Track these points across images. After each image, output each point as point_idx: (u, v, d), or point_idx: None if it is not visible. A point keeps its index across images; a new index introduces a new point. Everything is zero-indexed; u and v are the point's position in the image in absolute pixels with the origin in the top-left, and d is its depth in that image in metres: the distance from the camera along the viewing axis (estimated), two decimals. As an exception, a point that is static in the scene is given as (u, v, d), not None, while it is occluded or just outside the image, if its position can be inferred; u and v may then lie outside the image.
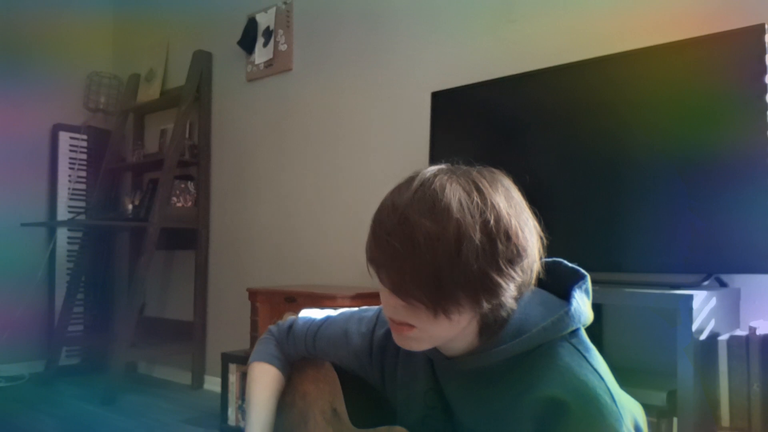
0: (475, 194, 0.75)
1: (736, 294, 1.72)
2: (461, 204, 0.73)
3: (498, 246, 0.73)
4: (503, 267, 0.74)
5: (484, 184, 0.77)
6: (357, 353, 1.00)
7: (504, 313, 0.78)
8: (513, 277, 0.75)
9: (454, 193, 0.74)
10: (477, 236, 0.72)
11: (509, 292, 0.76)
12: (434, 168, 0.79)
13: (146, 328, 3.68)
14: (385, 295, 0.79)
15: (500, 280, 0.74)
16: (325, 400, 1.02)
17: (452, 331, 0.78)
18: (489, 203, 0.74)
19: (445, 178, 0.76)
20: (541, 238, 0.80)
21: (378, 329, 0.99)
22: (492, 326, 0.80)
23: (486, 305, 0.75)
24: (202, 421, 2.74)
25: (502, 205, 0.75)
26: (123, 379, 3.18)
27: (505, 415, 0.80)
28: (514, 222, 0.75)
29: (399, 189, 0.78)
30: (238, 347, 2.91)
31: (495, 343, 0.80)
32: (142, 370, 3.90)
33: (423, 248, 0.72)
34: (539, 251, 0.80)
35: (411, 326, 0.78)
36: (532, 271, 0.79)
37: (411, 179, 0.78)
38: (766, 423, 1.44)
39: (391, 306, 0.78)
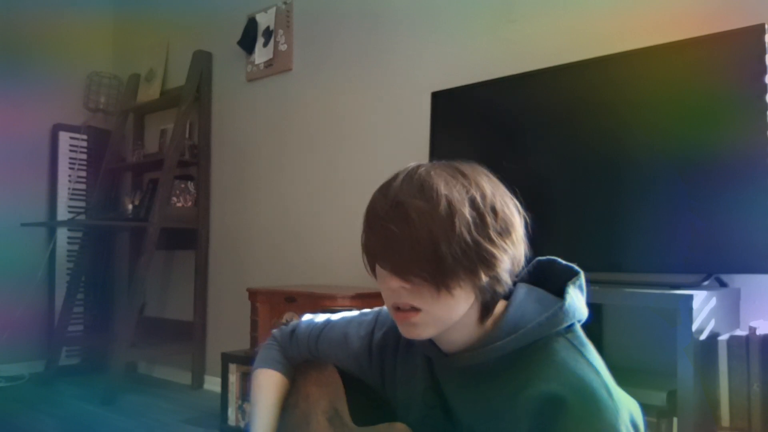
0: (459, 176, 0.80)
1: (736, 294, 1.72)
2: (447, 183, 0.78)
3: (487, 219, 0.78)
4: (495, 239, 0.78)
5: (466, 169, 0.82)
6: (356, 356, 1.02)
7: (500, 290, 0.81)
8: (505, 249, 0.79)
9: (439, 175, 0.79)
10: (467, 210, 0.77)
11: (504, 263, 0.79)
12: (415, 163, 0.84)
13: (146, 328, 3.68)
14: (387, 281, 0.80)
15: (494, 251, 0.78)
16: (327, 400, 1.03)
17: (455, 311, 0.80)
18: (473, 182, 0.80)
19: (429, 166, 0.82)
20: (525, 218, 0.84)
21: (376, 332, 1.01)
22: (491, 307, 0.82)
23: (484, 278, 0.78)
24: (202, 421, 2.74)
25: (484, 184, 0.81)
26: (123, 379, 3.17)
27: (503, 412, 0.80)
28: (498, 198, 0.80)
29: (386, 183, 0.83)
30: (238, 347, 2.91)
31: (491, 339, 0.82)
32: (142, 370, 3.90)
33: (418, 225, 0.76)
34: (523, 231, 0.84)
35: (416, 311, 0.80)
36: (521, 245, 0.82)
37: (395, 175, 0.83)
38: (766, 423, 1.44)
39: (393, 291, 0.80)
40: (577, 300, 0.84)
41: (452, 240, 0.75)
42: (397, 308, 0.81)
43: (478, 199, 0.78)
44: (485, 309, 0.82)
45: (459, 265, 0.76)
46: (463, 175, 0.81)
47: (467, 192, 0.78)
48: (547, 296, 0.85)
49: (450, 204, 0.76)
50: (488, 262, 0.77)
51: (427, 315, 0.79)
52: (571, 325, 0.82)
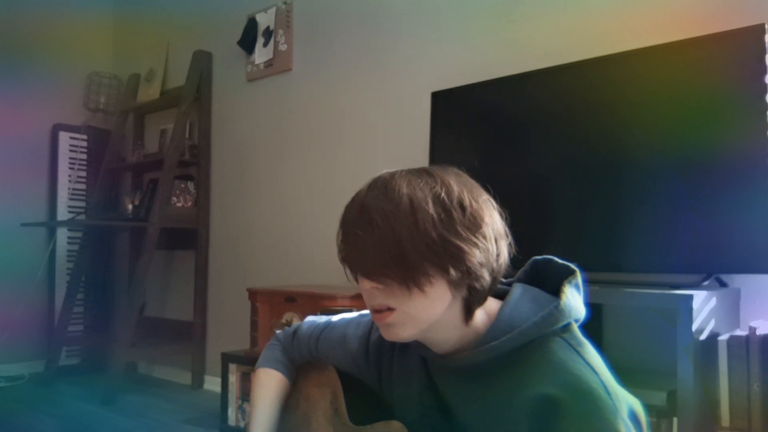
0: (424, 176, 0.82)
1: (736, 294, 1.72)
2: (411, 183, 0.80)
3: (454, 214, 0.78)
4: (463, 233, 0.78)
5: (434, 169, 0.83)
6: (354, 356, 1.02)
7: (478, 286, 0.80)
8: (475, 243, 0.79)
9: (403, 178, 0.81)
10: (430, 207, 0.78)
11: (475, 257, 0.79)
12: (386, 171, 0.86)
13: (146, 328, 3.68)
14: (361, 284, 0.82)
15: (462, 245, 0.78)
16: (327, 401, 1.04)
17: (432, 310, 0.80)
18: (438, 180, 0.81)
19: (396, 171, 0.84)
20: (502, 214, 0.85)
21: (374, 332, 1.01)
22: (473, 306, 0.82)
23: (454, 272, 0.78)
24: (202, 421, 2.74)
25: (451, 181, 0.81)
26: (123, 379, 3.17)
27: (500, 413, 0.80)
28: (466, 194, 0.81)
29: (358, 191, 0.85)
30: (238, 347, 2.91)
31: (486, 339, 0.82)
32: (142, 370, 3.90)
33: (381, 226, 0.77)
34: (503, 227, 0.84)
35: (391, 310, 0.81)
36: (496, 240, 0.82)
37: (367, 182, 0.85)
38: (766, 423, 1.44)
39: (367, 293, 0.82)
40: (573, 299, 0.83)
41: (416, 237, 0.76)
42: (375, 310, 0.82)
43: (444, 195, 0.79)
44: (467, 308, 0.82)
45: (426, 261, 0.77)
46: (429, 174, 0.82)
47: (431, 189, 0.79)
48: (543, 295, 0.85)
49: (412, 202, 0.78)
50: (456, 256, 0.77)
51: (401, 314, 0.80)
52: (568, 324, 0.82)
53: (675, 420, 1.47)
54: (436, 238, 0.77)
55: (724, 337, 1.51)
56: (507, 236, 0.84)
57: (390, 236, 0.77)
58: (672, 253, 1.64)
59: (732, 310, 1.69)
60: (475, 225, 0.79)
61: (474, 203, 0.80)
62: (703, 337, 1.48)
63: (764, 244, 1.51)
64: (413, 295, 0.78)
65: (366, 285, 0.81)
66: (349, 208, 0.83)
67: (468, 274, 0.79)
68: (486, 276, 0.81)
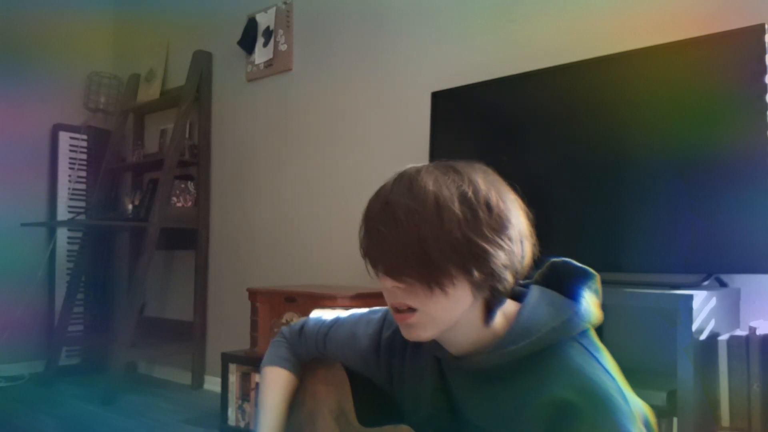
0: (451, 173, 0.79)
1: (736, 294, 1.72)
2: (437, 181, 0.77)
3: (480, 214, 0.76)
4: (488, 234, 0.76)
5: (461, 166, 0.81)
6: (364, 355, 1.01)
7: (501, 287, 0.79)
8: (500, 245, 0.77)
9: (429, 174, 0.79)
10: (456, 206, 0.75)
11: (499, 259, 0.77)
12: (411, 165, 0.84)
13: (146, 328, 3.68)
14: (382, 282, 0.81)
15: (487, 247, 0.76)
16: (334, 399, 1.03)
17: (453, 311, 0.79)
18: (466, 179, 0.78)
19: (422, 166, 0.81)
20: (529, 215, 0.83)
21: (385, 331, 1.00)
22: (494, 307, 0.81)
23: (477, 274, 0.76)
24: (202, 421, 2.74)
25: (479, 179, 0.79)
26: (123, 379, 3.17)
27: (515, 416, 0.80)
28: (493, 193, 0.78)
29: (383, 185, 0.82)
30: (238, 347, 2.91)
31: (504, 343, 0.80)
32: (142, 370, 3.90)
33: (405, 224, 0.75)
34: (529, 228, 0.82)
35: (413, 311, 0.79)
36: (522, 242, 0.80)
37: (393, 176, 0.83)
38: (766, 423, 1.44)
39: (389, 291, 0.80)
40: (591, 304, 0.83)
41: (441, 237, 0.74)
42: (396, 309, 0.81)
43: (470, 194, 0.77)
44: (488, 309, 0.81)
45: (449, 263, 0.75)
46: (456, 171, 0.79)
47: (458, 188, 0.77)
48: (560, 300, 0.84)
49: (438, 201, 0.75)
50: (480, 258, 0.76)
51: (423, 315, 0.79)
52: (585, 330, 0.82)
53: (675, 420, 1.47)
54: (461, 238, 0.75)
55: (724, 337, 1.51)
56: (532, 236, 0.82)
57: (414, 235, 0.75)
58: (672, 253, 1.64)
59: (732, 310, 1.69)
60: (501, 226, 0.77)
61: (501, 203, 0.78)
62: (703, 337, 1.48)
63: (764, 244, 1.51)
64: (435, 296, 0.77)
65: (388, 284, 0.79)
66: (373, 203, 0.81)
67: (491, 276, 0.77)
68: (509, 278, 0.79)
